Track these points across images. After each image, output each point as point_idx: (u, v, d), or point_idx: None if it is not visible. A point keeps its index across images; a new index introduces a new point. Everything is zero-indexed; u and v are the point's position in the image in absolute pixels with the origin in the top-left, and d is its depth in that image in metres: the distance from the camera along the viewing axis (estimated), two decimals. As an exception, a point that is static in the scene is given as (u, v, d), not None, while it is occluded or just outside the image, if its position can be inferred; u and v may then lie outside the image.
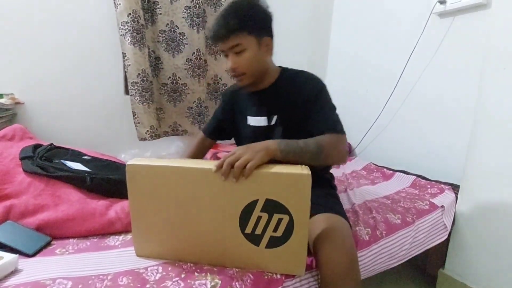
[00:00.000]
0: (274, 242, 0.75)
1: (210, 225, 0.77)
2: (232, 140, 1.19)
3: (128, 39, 1.48)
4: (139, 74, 1.52)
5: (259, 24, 0.92)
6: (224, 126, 1.17)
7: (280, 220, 0.73)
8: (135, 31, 1.48)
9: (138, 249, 0.83)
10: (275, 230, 0.74)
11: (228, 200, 0.74)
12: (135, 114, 1.58)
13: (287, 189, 0.72)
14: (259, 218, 0.74)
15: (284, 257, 0.76)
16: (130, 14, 1.46)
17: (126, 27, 1.47)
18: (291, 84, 0.98)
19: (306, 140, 0.84)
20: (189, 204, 0.76)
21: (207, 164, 0.75)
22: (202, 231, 0.78)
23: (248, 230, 0.75)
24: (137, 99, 1.55)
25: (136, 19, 1.48)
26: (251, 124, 1.04)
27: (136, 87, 1.53)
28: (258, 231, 0.75)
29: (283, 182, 0.71)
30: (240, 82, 0.96)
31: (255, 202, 0.73)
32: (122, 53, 1.51)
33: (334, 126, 0.91)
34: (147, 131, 1.61)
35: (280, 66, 1.04)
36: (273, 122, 1.00)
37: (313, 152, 0.82)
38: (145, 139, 1.61)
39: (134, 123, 1.59)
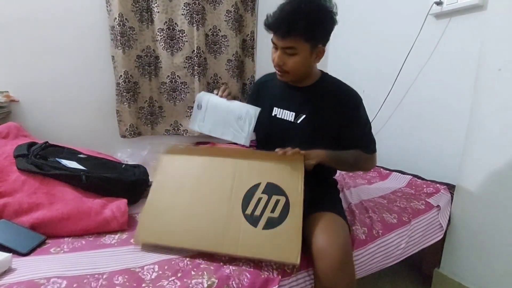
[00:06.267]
0: (271, 223, 0.81)
1: (217, 204, 0.86)
2: (227, 140, 1.18)
3: (115, 42, 1.55)
4: (121, 76, 1.59)
5: (320, 34, 0.89)
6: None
7: (278, 201, 0.84)
8: (119, 34, 1.54)
9: (141, 233, 0.85)
10: (272, 210, 0.83)
11: (236, 182, 0.88)
12: (118, 112, 1.65)
13: (285, 174, 0.87)
14: (260, 199, 0.85)
15: (280, 242, 0.79)
16: (116, 18, 1.52)
17: (114, 31, 1.54)
18: (329, 91, 1.00)
19: (346, 153, 0.98)
20: (203, 186, 0.90)
21: (227, 153, 0.95)
22: (208, 211, 0.86)
23: (249, 211, 0.84)
24: (119, 99, 1.62)
25: (122, 22, 1.53)
26: (277, 116, 1.04)
27: (119, 87, 1.61)
28: (258, 212, 0.83)
29: (282, 169, 0.88)
30: (282, 77, 0.98)
31: (257, 185, 0.87)
32: (111, 56, 1.58)
33: (370, 145, 1.02)
34: (127, 129, 1.67)
35: (320, 70, 1.05)
36: (299, 121, 1.01)
37: (351, 164, 1.01)
38: (125, 136, 1.68)
39: (117, 120, 1.66)
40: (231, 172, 0.90)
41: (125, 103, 1.62)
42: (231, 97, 0.99)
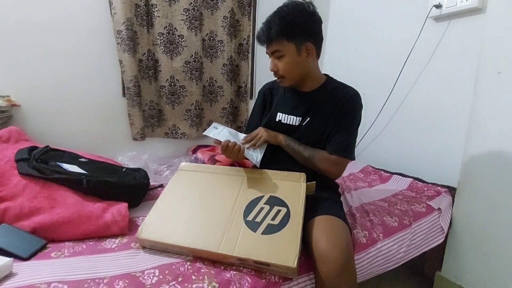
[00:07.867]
0: (270, 229, 0.83)
1: (220, 211, 0.90)
2: None
3: (123, 47, 1.56)
4: (131, 80, 1.61)
5: (300, 31, 0.93)
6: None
7: (279, 211, 0.87)
8: (128, 39, 1.55)
9: (143, 231, 0.86)
10: (273, 219, 0.86)
11: (241, 194, 0.94)
12: (130, 116, 1.68)
13: (287, 190, 0.93)
14: (262, 209, 0.89)
15: (277, 246, 0.79)
16: (124, 22, 1.53)
17: (121, 35, 1.54)
18: (333, 95, 1.01)
19: (307, 147, 1.00)
20: (209, 196, 0.96)
21: (235, 171, 1.03)
22: (210, 216, 0.89)
23: (250, 218, 0.87)
24: (130, 102, 1.65)
25: (129, 27, 1.55)
26: (282, 121, 1.06)
27: (129, 92, 1.63)
28: (258, 219, 0.86)
29: (285, 185, 0.94)
30: (282, 83, 1.02)
31: (261, 197, 0.92)
32: (119, 60, 1.59)
33: (341, 150, 0.98)
34: (138, 132, 1.71)
35: (325, 74, 1.08)
36: (303, 125, 1.03)
37: (305, 157, 1.00)
38: (136, 139, 1.72)
39: (129, 124, 1.70)
40: (238, 186, 0.97)
41: (136, 107, 1.65)
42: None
